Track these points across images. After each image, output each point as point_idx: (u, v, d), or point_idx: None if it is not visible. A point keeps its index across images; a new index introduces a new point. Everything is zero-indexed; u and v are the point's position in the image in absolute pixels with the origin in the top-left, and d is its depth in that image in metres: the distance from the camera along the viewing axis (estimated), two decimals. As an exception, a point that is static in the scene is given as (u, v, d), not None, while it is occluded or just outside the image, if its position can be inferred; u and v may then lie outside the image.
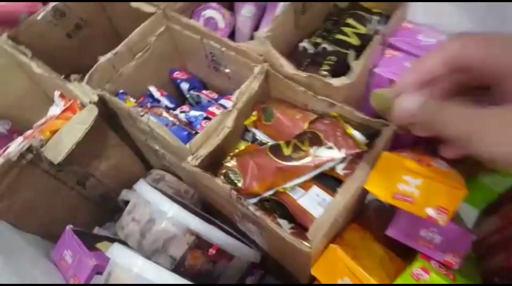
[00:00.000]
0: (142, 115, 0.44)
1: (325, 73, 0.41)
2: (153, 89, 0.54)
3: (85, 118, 0.45)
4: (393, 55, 0.42)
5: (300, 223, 0.40)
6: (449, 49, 0.21)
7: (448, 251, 0.37)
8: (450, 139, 0.21)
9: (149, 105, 0.52)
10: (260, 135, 0.47)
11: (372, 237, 0.45)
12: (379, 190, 0.35)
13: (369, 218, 0.51)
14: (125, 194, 0.55)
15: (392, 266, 0.41)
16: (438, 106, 0.21)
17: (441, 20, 0.43)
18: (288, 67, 0.39)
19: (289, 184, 0.41)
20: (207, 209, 0.53)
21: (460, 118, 0.20)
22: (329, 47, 0.43)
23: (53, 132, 0.45)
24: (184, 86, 0.55)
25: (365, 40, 0.43)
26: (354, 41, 0.44)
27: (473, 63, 0.21)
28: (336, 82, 0.37)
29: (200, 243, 0.43)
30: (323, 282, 0.39)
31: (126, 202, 0.52)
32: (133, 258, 0.34)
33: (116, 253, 0.35)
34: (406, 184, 0.34)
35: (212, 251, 0.44)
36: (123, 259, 0.34)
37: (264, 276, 0.59)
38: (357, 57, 0.40)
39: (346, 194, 0.35)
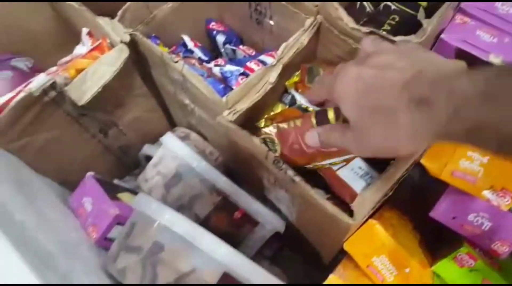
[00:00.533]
0: (176, 62, 0.41)
1: (384, 33, 0.37)
2: (186, 39, 0.51)
3: (115, 60, 0.42)
4: (464, 21, 0.38)
5: (337, 196, 0.38)
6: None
7: (496, 239, 0.35)
8: None
9: (181, 55, 0.49)
10: (300, 99, 0.44)
11: (408, 218, 0.42)
12: (436, 166, 0.32)
13: (402, 199, 0.48)
14: (147, 148, 0.53)
15: (427, 250, 0.38)
16: (326, 136, 0.31)
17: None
18: (348, 20, 0.35)
19: (329, 161, 0.38)
20: (228, 175, 0.51)
21: (335, 142, 0.30)
22: (393, 6, 0.39)
23: (79, 71, 0.42)
24: (220, 38, 0.51)
25: (433, 1, 0.38)
26: (422, 2, 0.39)
27: None
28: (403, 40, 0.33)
29: (226, 205, 0.41)
30: (356, 259, 0.36)
31: (148, 158, 0.50)
32: (160, 209, 0.32)
33: (142, 203, 0.33)
34: (470, 161, 0.31)
35: (237, 214, 0.42)
36: (150, 210, 0.32)
37: (281, 249, 0.57)
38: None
39: (399, 169, 0.32)
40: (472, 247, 0.35)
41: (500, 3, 0.38)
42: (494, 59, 0.36)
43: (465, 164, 0.31)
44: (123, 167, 0.56)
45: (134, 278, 0.31)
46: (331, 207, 0.32)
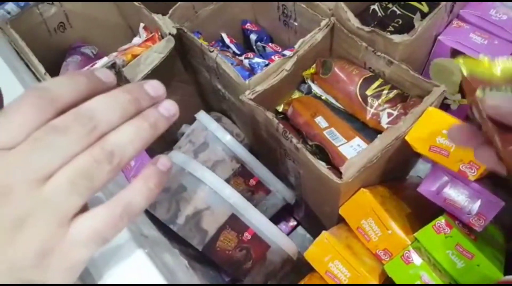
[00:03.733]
0: (212, 51, 0.53)
1: (382, 32, 0.46)
2: (224, 35, 0.63)
3: (163, 48, 0.55)
4: (460, 26, 0.46)
5: (337, 168, 0.46)
6: None
7: (474, 213, 0.41)
8: None
9: (218, 49, 0.61)
10: (316, 89, 0.54)
11: (404, 197, 0.49)
12: (417, 142, 0.40)
13: (405, 187, 0.55)
14: (184, 128, 0.65)
15: (417, 224, 0.45)
16: None
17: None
18: (354, 21, 0.44)
19: None
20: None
21: None
22: (398, 11, 0.48)
23: (134, 56, 0.55)
24: (253, 37, 0.63)
25: (435, 8, 0.47)
26: (424, 8, 0.48)
27: None
28: (397, 38, 0.42)
29: (243, 172, 0.52)
30: (348, 221, 0.45)
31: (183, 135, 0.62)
32: (187, 160, 0.43)
33: (174, 156, 0.44)
34: (445, 138, 0.38)
35: (252, 181, 0.52)
36: (179, 161, 0.43)
37: (296, 227, 0.66)
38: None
39: (384, 140, 0.40)
40: (452, 219, 0.42)
41: (494, 10, 0.46)
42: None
43: (441, 140, 0.39)
44: (164, 142, 0.68)
45: (162, 210, 0.42)
46: (324, 169, 0.41)
